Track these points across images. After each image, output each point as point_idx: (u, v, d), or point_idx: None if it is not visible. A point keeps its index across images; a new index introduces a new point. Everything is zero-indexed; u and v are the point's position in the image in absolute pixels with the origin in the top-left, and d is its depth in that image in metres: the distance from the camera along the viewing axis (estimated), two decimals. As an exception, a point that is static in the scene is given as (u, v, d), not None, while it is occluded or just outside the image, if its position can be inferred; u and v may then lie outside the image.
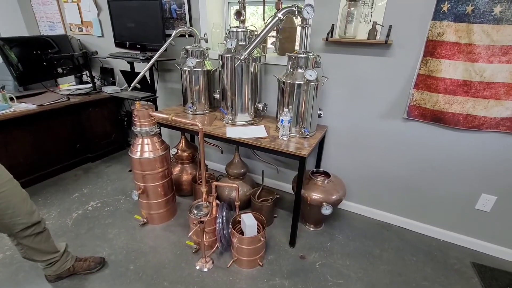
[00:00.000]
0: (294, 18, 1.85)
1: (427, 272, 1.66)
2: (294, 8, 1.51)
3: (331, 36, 1.74)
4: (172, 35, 1.91)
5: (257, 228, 1.65)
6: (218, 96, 2.05)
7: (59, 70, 2.48)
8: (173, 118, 1.64)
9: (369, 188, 2.06)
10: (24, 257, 1.37)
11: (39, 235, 1.35)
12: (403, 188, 1.94)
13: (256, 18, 2.55)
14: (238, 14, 1.75)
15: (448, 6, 1.43)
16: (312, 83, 1.60)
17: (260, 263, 1.65)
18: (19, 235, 1.28)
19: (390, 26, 1.59)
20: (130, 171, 2.68)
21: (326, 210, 1.72)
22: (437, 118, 1.65)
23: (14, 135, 2.18)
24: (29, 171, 2.36)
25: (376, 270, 1.66)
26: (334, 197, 1.77)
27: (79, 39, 2.93)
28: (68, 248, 1.52)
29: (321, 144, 2.06)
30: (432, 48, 1.53)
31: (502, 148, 1.58)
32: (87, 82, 2.90)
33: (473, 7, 1.38)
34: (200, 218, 1.61)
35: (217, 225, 1.65)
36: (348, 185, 2.09)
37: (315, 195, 1.77)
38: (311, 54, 1.62)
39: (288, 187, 2.40)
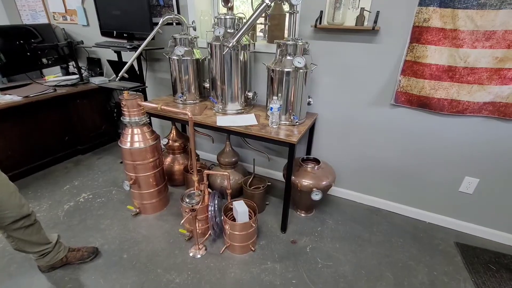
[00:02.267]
0: (283, 4, 1.84)
1: (412, 252, 1.73)
2: (281, -6, 1.50)
3: (320, 23, 1.74)
4: (159, 23, 1.88)
5: (249, 215, 1.68)
6: (208, 85, 2.04)
7: (44, 60, 2.42)
8: (162, 107, 1.63)
9: (358, 174, 2.11)
10: (16, 249, 1.37)
11: (29, 228, 1.34)
12: (391, 173, 1.99)
13: (247, 7, 2.51)
14: (226, 1, 1.72)
15: (434, -9, 1.45)
16: (301, 71, 1.61)
17: (252, 248, 1.69)
18: (9, 228, 1.28)
19: (378, 12, 1.60)
20: (122, 162, 2.66)
21: (316, 196, 1.76)
22: (423, 103, 1.68)
23: (0, 128, 2.13)
24: (17, 164, 2.32)
25: (365, 252, 1.72)
26: (324, 183, 1.81)
27: (63, 28, 2.85)
28: (60, 239, 1.52)
29: (311, 131, 2.09)
30: (419, 34, 1.55)
31: (484, 132, 1.63)
32: (73, 73, 2.83)
33: (458, -8, 1.40)
34: (192, 206, 1.63)
35: (209, 212, 1.67)
36: (338, 171, 2.13)
37: (306, 182, 1.80)
38: (299, 41, 1.62)
39: (279, 175, 2.43)
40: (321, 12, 1.73)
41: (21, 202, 1.30)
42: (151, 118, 1.99)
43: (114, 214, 1.99)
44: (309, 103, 1.83)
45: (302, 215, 2.03)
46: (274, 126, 1.69)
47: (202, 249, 1.69)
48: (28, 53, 2.31)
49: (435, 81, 1.60)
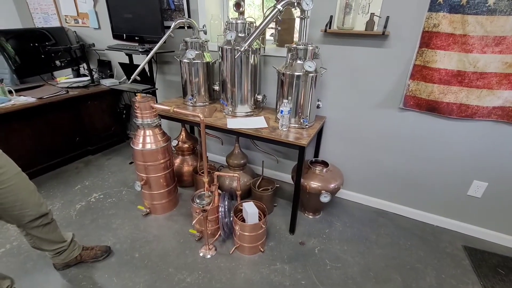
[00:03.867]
0: (293, 9, 1.87)
1: (420, 255, 1.74)
2: (293, 0, 1.53)
3: (330, 28, 1.76)
4: (171, 27, 1.92)
5: (258, 216, 1.71)
6: (217, 88, 2.07)
7: (57, 63, 2.47)
8: (175, 109, 1.66)
9: (366, 176, 2.13)
10: (33, 246, 1.41)
11: (46, 226, 1.38)
12: (399, 176, 2.00)
13: (253, 9, 2.55)
14: (238, 5, 1.76)
15: (444, -3, 1.47)
16: (311, 74, 1.64)
17: (261, 249, 1.71)
18: (28, 226, 1.32)
19: (387, 18, 1.62)
20: (131, 163, 2.70)
21: (325, 198, 1.78)
22: (432, 107, 1.70)
23: (15, 128, 2.19)
24: (30, 164, 2.37)
25: (372, 254, 1.74)
26: (332, 185, 1.83)
27: (75, 31, 2.90)
28: (75, 238, 1.56)
29: (319, 134, 2.11)
30: (428, 39, 1.57)
31: (493, 136, 1.64)
32: (84, 75, 2.89)
33: (468, -1, 1.42)
34: (203, 207, 1.66)
35: (220, 213, 1.70)
36: (346, 173, 2.15)
37: (314, 184, 1.83)
38: (310, 45, 1.64)
39: (287, 177, 2.45)
40: (331, 17, 1.76)
41: (40, 201, 1.34)
42: (161, 119, 2.03)
43: (125, 214, 2.03)
44: (318, 106, 1.85)
45: (310, 217, 2.05)
46: (284, 129, 1.72)
47: (212, 249, 1.72)
48: (42, 56, 2.37)
49: (444, 86, 1.62)
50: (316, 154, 2.18)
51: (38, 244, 1.40)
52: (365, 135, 1.99)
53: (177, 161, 2.32)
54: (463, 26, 1.47)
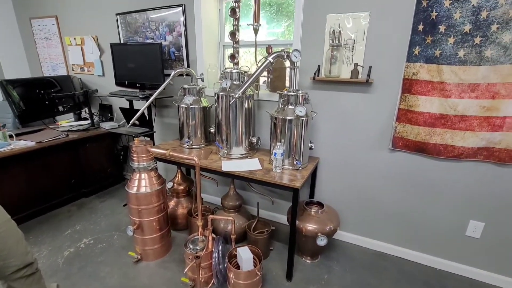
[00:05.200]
0: (284, 60, 2.03)
1: (425, 303, 1.65)
2: (283, 53, 1.68)
3: (318, 76, 1.90)
4: (171, 76, 2.05)
5: (254, 262, 1.64)
6: (213, 130, 2.15)
7: (60, 108, 2.58)
8: (171, 153, 1.70)
9: (363, 217, 2.10)
10: (13, 300, 1.32)
11: (30, 277, 1.32)
12: (395, 217, 1.98)
13: (249, 56, 2.76)
14: (232, 57, 1.91)
15: (419, 50, 1.62)
16: (302, 118, 1.72)
17: (257, 299, 1.62)
18: (11, 277, 1.26)
19: (370, 67, 1.76)
20: (125, 205, 2.66)
21: (321, 241, 1.74)
22: (420, 148, 1.76)
23: (10, 173, 2.20)
24: (21, 208, 2.33)
25: (375, 302, 1.64)
26: (328, 227, 1.80)
27: (80, 78, 3.08)
28: (59, 289, 1.48)
29: (314, 175, 2.13)
30: (409, 86, 1.69)
31: (483, 176, 1.67)
32: (85, 118, 2.99)
33: (440, 51, 1.57)
34: (196, 253, 1.60)
35: (213, 259, 1.64)
36: (343, 215, 2.13)
37: (310, 226, 1.80)
38: (300, 92, 1.75)
39: (283, 219, 2.41)
40: (319, 66, 1.90)
41: (26, 250, 1.30)
42: (157, 161, 2.06)
43: (115, 260, 1.94)
44: (310, 148, 1.91)
45: (308, 261, 1.97)
46: (278, 171, 1.74)
47: (204, 300, 1.62)
48: (47, 102, 2.48)
49: (429, 128, 1.70)
50: (312, 194, 2.18)
51: (19, 298, 1.32)
52: (358, 175, 2.02)
53: (172, 203, 2.29)
54: (439, 74, 1.60)
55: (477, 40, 1.48)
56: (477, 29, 1.47)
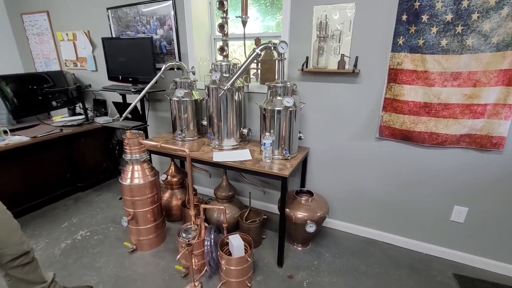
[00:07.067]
0: (272, 52, 2.05)
1: (410, 285, 1.71)
2: (270, 44, 1.70)
3: (306, 67, 1.93)
4: (162, 69, 2.08)
5: (245, 249, 1.70)
6: (205, 123, 2.18)
7: (54, 103, 2.59)
8: (162, 145, 1.74)
9: (352, 205, 2.15)
10: (11, 288, 1.37)
11: (27, 266, 1.36)
12: (382, 204, 2.04)
13: (243, 49, 2.78)
14: (222, 49, 1.94)
15: (403, 40, 1.65)
16: (290, 109, 1.76)
17: (248, 284, 1.67)
18: (7, 266, 1.30)
19: (357, 58, 1.79)
20: (120, 198, 2.70)
21: (310, 228, 1.79)
22: (406, 136, 1.80)
23: (5, 167, 2.23)
24: (17, 203, 2.36)
25: (362, 285, 1.71)
26: (318, 214, 1.85)
27: (73, 74, 3.09)
28: (56, 278, 1.52)
29: (304, 164, 2.18)
30: (394, 75, 1.73)
31: (466, 162, 1.72)
32: (79, 114, 3.00)
33: (423, 41, 1.60)
34: (188, 241, 1.65)
35: (205, 247, 1.69)
36: (332, 203, 2.18)
37: (300, 214, 1.85)
38: (288, 83, 1.79)
39: (275, 208, 2.46)
40: (307, 57, 1.93)
41: (22, 239, 1.34)
42: (151, 154, 2.10)
43: (111, 251, 1.99)
44: (300, 138, 1.95)
45: (299, 248, 2.03)
46: (268, 161, 1.79)
47: (198, 286, 1.67)
48: (40, 97, 2.49)
49: (414, 116, 1.74)
50: (302, 184, 2.23)
51: (16, 286, 1.36)
52: (347, 164, 2.07)
53: (166, 195, 2.34)
54: (423, 64, 1.63)
55: (459, 29, 1.52)
56: (458, 18, 1.51)
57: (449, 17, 1.52)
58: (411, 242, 2.01)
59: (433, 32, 1.57)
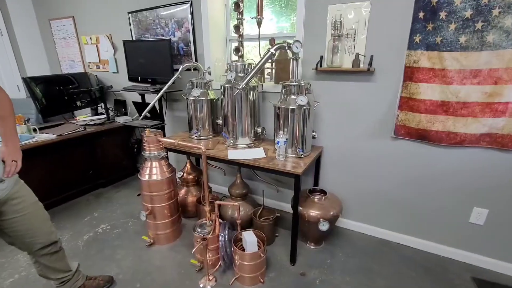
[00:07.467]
0: (286, 51, 2.07)
1: (426, 287, 1.68)
2: (284, 44, 1.73)
3: (320, 66, 1.94)
4: (179, 70, 2.15)
5: (258, 245, 1.73)
6: (220, 122, 2.24)
7: (78, 103, 2.74)
8: (179, 142, 1.80)
9: (365, 205, 2.13)
10: (40, 274, 1.47)
11: (54, 254, 1.46)
12: (398, 204, 2.01)
13: (257, 50, 2.82)
14: (237, 50, 1.98)
15: (420, 37, 1.63)
16: (304, 108, 1.77)
17: (261, 280, 1.70)
18: (37, 253, 1.40)
19: (372, 56, 1.79)
20: (139, 195, 2.81)
21: (323, 226, 1.80)
22: (422, 136, 1.77)
23: (35, 163, 2.38)
24: (44, 197, 2.50)
25: (375, 285, 1.69)
26: (331, 213, 1.86)
27: (96, 75, 3.25)
28: (79, 267, 1.62)
29: (318, 163, 2.18)
30: (411, 74, 1.71)
31: (486, 162, 1.67)
32: (101, 113, 3.15)
33: (441, 38, 1.57)
34: (203, 235, 1.70)
35: (220, 242, 1.73)
36: (346, 202, 2.17)
37: (313, 212, 1.86)
38: (302, 82, 1.81)
39: (288, 207, 2.48)
40: (321, 57, 1.94)
41: (51, 230, 1.44)
42: (168, 152, 2.17)
43: (130, 244, 2.08)
44: (313, 137, 1.96)
45: (312, 247, 2.04)
46: (281, 159, 1.81)
47: (212, 280, 1.72)
48: (66, 97, 2.64)
49: (431, 115, 1.71)
50: (316, 183, 2.23)
51: (45, 272, 1.47)
52: (361, 163, 2.05)
53: (182, 192, 2.41)
54: (440, 61, 1.61)
55: (479, 25, 1.48)
56: (478, 14, 1.47)
57: (468, 13, 1.49)
58: (427, 244, 1.97)
59: (451, 29, 1.54)
